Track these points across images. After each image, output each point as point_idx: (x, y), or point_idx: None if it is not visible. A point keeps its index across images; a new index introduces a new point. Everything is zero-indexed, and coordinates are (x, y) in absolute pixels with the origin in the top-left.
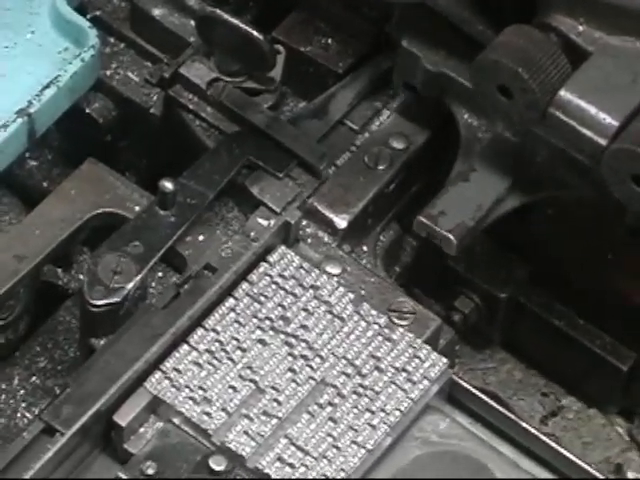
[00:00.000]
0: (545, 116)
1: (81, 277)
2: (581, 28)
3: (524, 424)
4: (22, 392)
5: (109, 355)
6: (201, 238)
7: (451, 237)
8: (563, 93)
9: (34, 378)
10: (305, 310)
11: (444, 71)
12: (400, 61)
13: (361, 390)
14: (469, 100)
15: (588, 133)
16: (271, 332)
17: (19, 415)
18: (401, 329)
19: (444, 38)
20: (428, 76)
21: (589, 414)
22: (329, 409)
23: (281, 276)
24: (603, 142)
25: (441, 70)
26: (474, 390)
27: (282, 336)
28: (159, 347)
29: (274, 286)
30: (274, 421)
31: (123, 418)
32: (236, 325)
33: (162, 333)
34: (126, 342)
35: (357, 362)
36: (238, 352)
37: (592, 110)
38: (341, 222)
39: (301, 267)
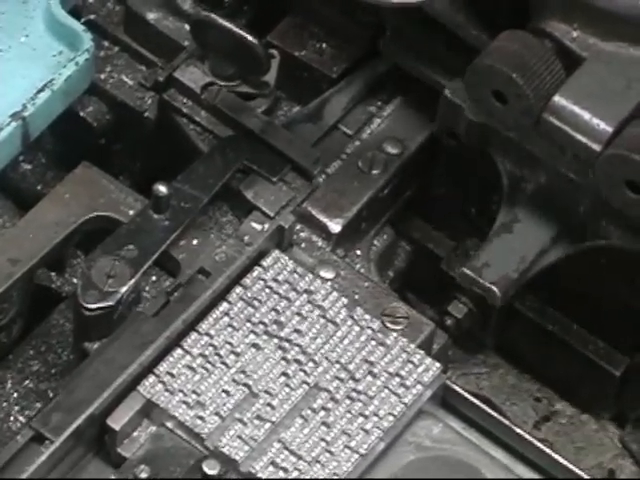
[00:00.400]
0: (539, 122)
1: (75, 280)
2: (575, 34)
3: (517, 429)
4: (15, 395)
5: (99, 362)
6: (195, 242)
7: (495, 290)
8: (557, 99)
9: (27, 382)
10: (299, 314)
11: (486, 122)
12: (443, 110)
13: (354, 395)
14: (513, 150)
15: (582, 139)
16: (265, 336)
17: (12, 419)
18: (394, 334)
19: (440, 54)
20: (472, 126)
21: (582, 419)
22: (322, 413)
23: (275, 280)
24: (597, 148)
25: (484, 121)
26: (467, 395)
27: (276, 340)
28: (150, 353)
29: (268, 290)
30: (267, 425)
31: (116, 422)
32: (230, 329)
33: (152, 340)
34: (116, 349)
35: (350, 367)
36: (232, 356)
37: (586, 116)
38: (335, 227)
39: (295, 271)
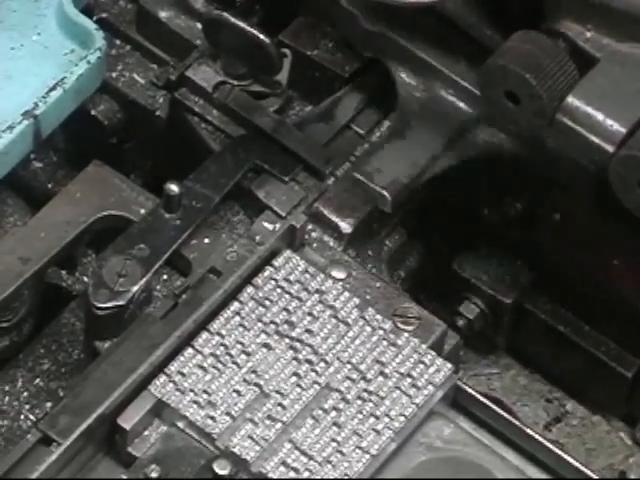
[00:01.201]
0: (552, 122)
1: (85, 279)
2: (589, 34)
3: (528, 430)
4: (25, 394)
5: (107, 365)
6: (206, 241)
7: (386, 194)
8: (571, 99)
9: (38, 380)
10: (310, 314)
11: (383, 31)
12: (339, 19)
13: (366, 395)
14: (407, 59)
15: (595, 140)
16: (276, 336)
17: (22, 417)
18: (406, 334)
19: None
20: (367, 35)
21: (593, 420)
22: (333, 414)
23: (286, 280)
24: (610, 149)
25: (380, 30)
26: (479, 396)
27: (287, 340)
28: (159, 355)
29: (279, 290)
30: (278, 425)
31: (127, 421)
32: (241, 329)
33: (160, 342)
34: (124, 352)
35: (362, 367)
36: (243, 356)
37: (599, 117)
38: (346, 227)
39: (306, 271)
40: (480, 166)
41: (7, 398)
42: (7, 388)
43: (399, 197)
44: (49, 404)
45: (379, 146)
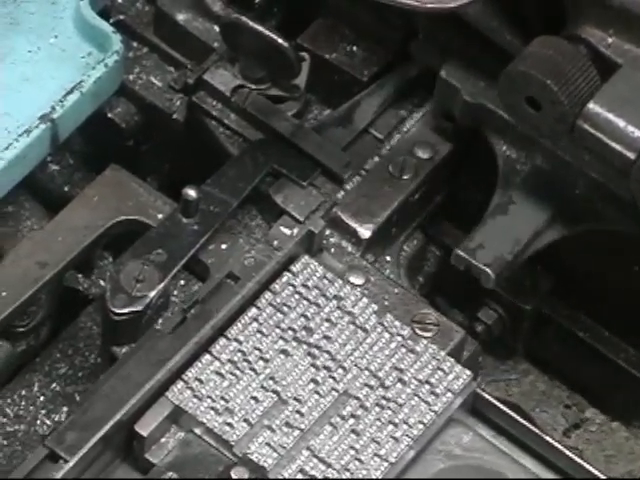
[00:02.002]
0: (573, 129)
1: (102, 282)
2: (610, 40)
3: (547, 438)
4: (42, 399)
5: (115, 380)
6: (224, 246)
7: (489, 271)
8: (592, 106)
9: (54, 385)
10: (328, 321)
11: (483, 103)
12: (439, 91)
13: (384, 402)
14: (508, 132)
15: (617, 147)
16: (294, 342)
17: (39, 422)
18: (425, 341)
19: (473, 58)
20: (467, 107)
21: (612, 427)
22: (352, 421)
23: (304, 286)
24: (632, 156)
25: (480, 102)
26: (498, 403)
27: (305, 347)
28: (166, 371)
29: (297, 296)
30: (296, 432)
31: (144, 428)
32: (259, 335)
33: (168, 358)
34: (132, 367)
35: (380, 374)
36: (260, 362)
37: (621, 123)
38: (365, 232)
39: (324, 277)
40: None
41: (23, 403)
42: (24, 392)
43: (502, 274)
44: (65, 409)
45: (482, 222)
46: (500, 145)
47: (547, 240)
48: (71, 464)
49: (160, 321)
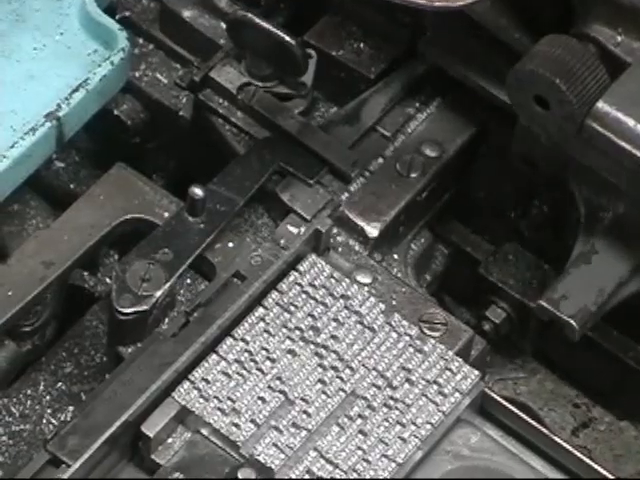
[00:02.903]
0: (582, 128)
1: (108, 280)
2: (619, 38)
3: (556, 438)
4: (48, 398)
5: (117, 384)
6: (230, 245)
7: (573, 323)
8: (601, 105)
9: (60, 384)
10: (335, 320)
11: (565, 149)
12: (519, 136)
13: (392, 402)
14: (591, 179)
15: (626, 146)
16: (301, 342)
17: (44, 421)
18: (432, 340)
19: (481, 55)
20: (549, 154)
21: (621, 426)
22: (359, 421)
23: (311, 285)
24: None
25: (563, 149)
26: (506, 403)
27: (312, 347)
28: (169, 376)
29: (304, 295)
30: (303, 433)
31: (151, 429)
32: (265, 335)
33: (171, 362)
34: (134, 371)
35: (388, 374)
36: (267, 362)
37: (630, 122)
38: (372, 230)
39: (332, 276)
40: None
41: (29, 402)
42: (29, 392)
43: (586, 326)
44: (71, 408)
45: (565, 272)
46: (582, 191)
47: (632, 290)
48: (73, 469)
49: (163, 325)
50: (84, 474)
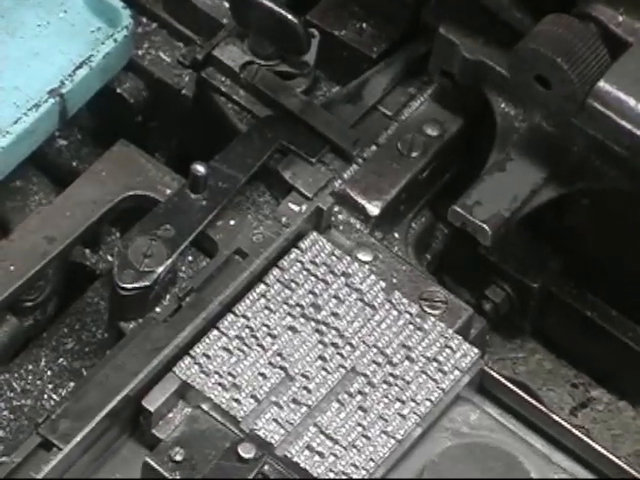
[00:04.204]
0: (583, 107)
1: (109, 257)
2: (621, 18)
3: (555, 416)
4: (49, 373)
5: (108, 369)
6: (232, 222)
7: (486, 227)
8: (602, 84)
9: (61, 360)
10: (336, 297)
11: (482, 59)
12: (437, 48)
13: (391, 379)
14: (507, 89)
15: (627, 125)
16: (302, 319)
17: (45, 397)
18: (432, 318)
19: (482, 24)
20: (466, 64)
21: (619, 406)
22: (359, 398)
23: (312, 263)
24: None
25: (479, 58)
26: (505, 381)
27: (313, 323)
28: (160, 360)
29: (305, 272)
30: (304, 409)
31: (152, 403)
32: (266, 311)
33: (163, 346)
34: (126, 355)
35: (388, 351)
36: (268, 339)
37: (631, 102)
38: (373, 209)
39: (332, 254)
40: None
41: (30, 377)
42: (30, 367)
43: (499, 231)
44: (72, 384)
45: (480, 179)
46: (498, 102)
47: (544, 198)
48: (64, 453)
49: (163, 302)
50: (76, 457)
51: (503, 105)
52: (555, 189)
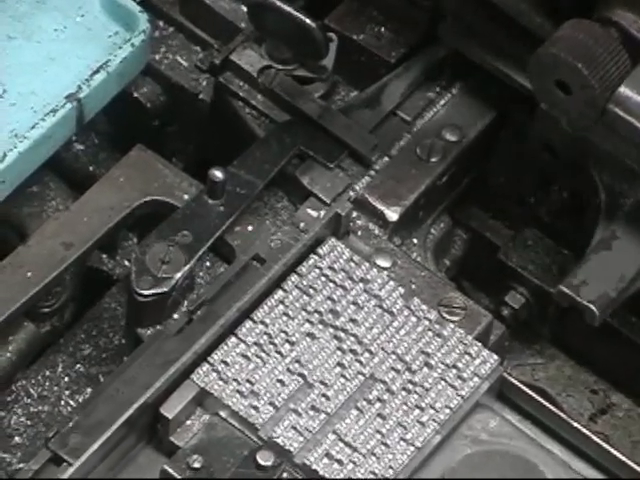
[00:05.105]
0: (604, 113)
1: (126, 263)
2: None
3: (574, 423)
4: (66, 379)
5: (119, 382)
6: (250, 228)
7: (593, 308)
8: (623, 89)
9: (78, 366)
10: (355, 304)
11: (586, 135)
12: (539, 122)
13: (410, 386)
14: (611, 165)
15: None
16: (320, 325)
17: (63, 403)
18: (452, 325)
19: (500, 39)
20: (569, 139)
21: (639, 412)
22: (378, 405)
23: (331, 269)
24: None
25: (582, 135)
26: (525, 388)
27: (331, 330)
28: (172, 373)
29: (323, 279)
30: (322, 416)
31: (170, 410)
32: (285, 318)
33: (174, 360)
34: (137, 369)
35: (407, 358)
36: (286, 345)
37: None
38: (392, 214)
39: (351, 260)
40: None
41: (47, 383)
42: (48, 373)
43: (606, 312)
44: (89, 390)
45: (586, 258)
46: (602, 178)
47: None
48: (74, 468)
49: (166, 323)
50: (87, 471)
51: (607, 181)
52: None
